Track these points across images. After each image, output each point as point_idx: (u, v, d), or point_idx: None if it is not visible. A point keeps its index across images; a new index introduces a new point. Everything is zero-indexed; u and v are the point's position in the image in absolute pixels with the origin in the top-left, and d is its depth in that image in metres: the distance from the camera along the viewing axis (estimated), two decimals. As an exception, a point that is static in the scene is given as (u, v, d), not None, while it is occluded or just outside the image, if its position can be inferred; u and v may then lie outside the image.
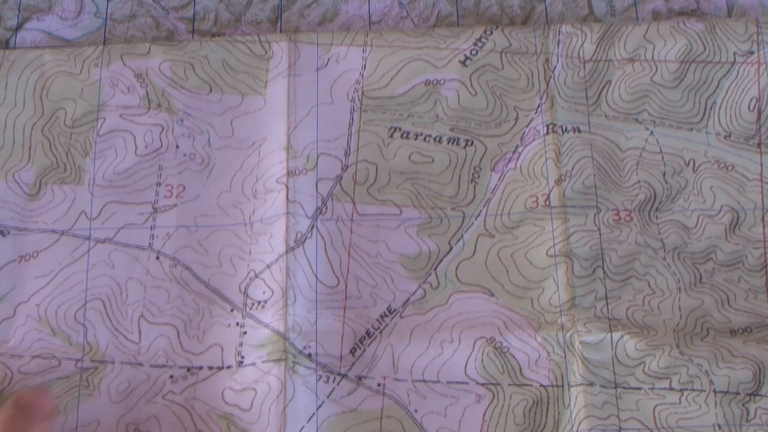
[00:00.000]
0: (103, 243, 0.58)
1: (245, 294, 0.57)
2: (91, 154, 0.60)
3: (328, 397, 0.55)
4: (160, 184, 0.59)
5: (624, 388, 0.54)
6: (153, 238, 0.58)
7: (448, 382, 0.55)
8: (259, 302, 0.57)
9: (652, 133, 0.59)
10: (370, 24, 0.64)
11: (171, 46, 0.61)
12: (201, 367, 0.56)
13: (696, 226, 0.58)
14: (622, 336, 0.55)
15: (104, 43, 0.63)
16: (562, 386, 0.55)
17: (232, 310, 0.57)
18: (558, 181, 0.58)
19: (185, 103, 0.61)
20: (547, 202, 0.58)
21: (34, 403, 0.50)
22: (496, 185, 0.59)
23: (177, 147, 0.60)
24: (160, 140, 0.60)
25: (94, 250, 0.58)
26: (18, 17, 0.64)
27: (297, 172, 0.59)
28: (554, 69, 0.60)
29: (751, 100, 0.60)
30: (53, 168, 0.59)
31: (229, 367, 0.56)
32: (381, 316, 0.57)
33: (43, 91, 0.60)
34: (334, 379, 0.55)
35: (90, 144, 0.60)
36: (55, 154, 0.60)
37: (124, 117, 0.60)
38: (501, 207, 0.58)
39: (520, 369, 0.55)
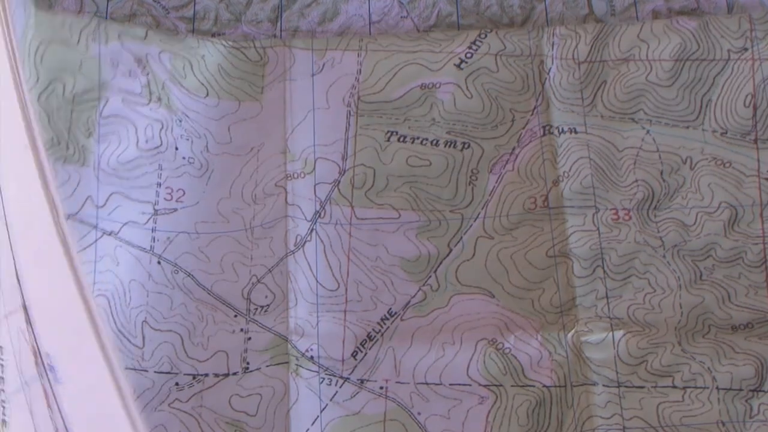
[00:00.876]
0: (110, 236, 0.58)
1: (248, 299, 0.57)
2: (95, 135, 0.59)
3: (331, 399, 0.55)
4: (160, 184, 0.59)
5: (627, 387, 0.54)
6: (154, 241, 0.58)
7: (450, 385, 0.55)
8: (262, 307, 0.57)
9: (648, 132, 0.59)
10: (370, 24, 0.64)
11: (168, 36, 0.61)
12: (207, 375, 0.56)
13: (695, 223, 0.58)
14: (623, 335, 0.55)
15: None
16: (565, 386, 0.55)
17: (235, 316, 0.57)
18: (555, 182, 0.58)
19: (184, 103, 0.60)
20: (546, 203, 0.58)
21: None
22: (494, 187, 0.59)
23: (176, 149, 0.60)
24: (160, 138, 0.60)
25: (101, 241, 0.58)
26: (18, 16, 0.64)
27: (295, 175, 0.59)
28: (549, 71, 0.61)
29: (746, 96, 0.60)
30: (54, 144, 0.59)
31: (235, 373, 0.56)
32: (382, 319, 0.57)
33: (37, 56, 0.59)
34: (337, 382, 0.55)
35: (93, 124, 0.59)
36: (54, 130, 0.59)
37: (126, 102, 0.60)
38: (499, 208, 0.58)
39: (522, 370, 0.55)
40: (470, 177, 0.59)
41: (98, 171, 0.59)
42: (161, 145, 0.60)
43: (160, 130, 0.60)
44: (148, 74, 0.60)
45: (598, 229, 0.57)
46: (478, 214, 0.58)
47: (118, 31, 0.61)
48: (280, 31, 0.64)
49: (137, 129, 0.60)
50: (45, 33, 0.60)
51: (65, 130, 0.59)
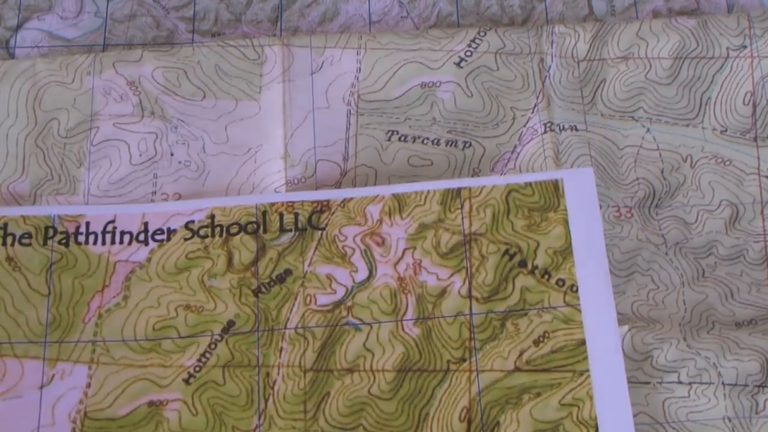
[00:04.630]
0: None
1: None
2: (85, 164, 0.59)
3: None
4: (155, 192, 0.59)
5: (632, 382, 0.53)
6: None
7: None
8: None
9: (648, 130, 0.60)
10: (370, 23, 0.64)
11: (163, 52, 0.61)
12: None
13: (696, 221, 0.58)
14: (628, 330, 0.54)
15: (104, 43, 0.63)
16: (571, 383, 0.54)
17: None
18: None
19: (179, 110, 0.60)
20: None
21: None
22: None
23: (172, 155, 0.59)
24: (155, 148, 0.59)
25: None
26: (18, 17, 0.64)
27: (296, 181, 0.58)
28: (549, 69, 0.60)
29: (745, 94, 0.60)
30: (48, 179, 0.58)
31: None
32: None
33: (36, 101, 0.60)
34: None
35: (84, 154, 0.59)
36: (49, 165, 0.59)
37: (117, 126, 0.60)
38: None
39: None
40: (472, 176, 0.59)
41: (87, 197, 0.58)
42: (156, 155, 0.59)
43: (155, 140, 0.60)
44: (140, 93, 0.60)
45: (600, 226, 0.57)
46: None
47: (113, 60, 0.61)
48: (280, 31, 0.64)
49: (129, 146, 0.59)
50: (43, 78, 0.60)
51: (59, 164, 0.59)
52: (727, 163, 0.59)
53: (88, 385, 0.53)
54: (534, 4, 0.64)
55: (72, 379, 0.54)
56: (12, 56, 0.62)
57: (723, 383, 0.53)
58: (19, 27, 0.63)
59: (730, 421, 0.53)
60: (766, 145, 0.59)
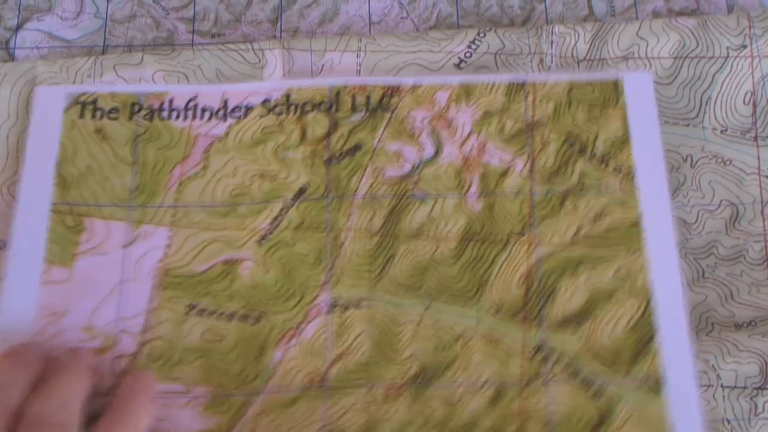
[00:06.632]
0: None
1: None
2: None
3: None
4: None
5: (631, 385, 0.54)
6: None
7: None
8: None
9: (648, 129, 0.60)
10: (370, 24, 0.64)
11: (164, 55, 0.61)
12: None
13: (696, 221, 0.58)
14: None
15: (104, 44, 0.63)
16: (571, 385, 0.55)
17: None
18: None
19: None
20: None
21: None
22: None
23: None
24: None
25: None
26: (18, 17, 0.64)
27: None
28: (548, 69, 0.60)
29: (746, 94, 0.60)
30: None
31: None
32: None
33: None
34: None
35: None
36: None
37: None
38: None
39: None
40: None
41: None
42: None
43: None
44: None
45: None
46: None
47: (113, 63, 0.61)
48: (280, 31, 0.64)
49: None
50: (44, 81, 0.60)
51: None
52: (727, 162, 0.59)
53: (168, 246, 0.56)
54: (534, 4, 0.64)
55: (154, 240, 0.57)
56: (12, 57, 0.62)
57: (722, 385, 0.54)
58: (19, 27, 0.63)
59: (729, 423, 0.53)
60: (767, 144, 0.59)
